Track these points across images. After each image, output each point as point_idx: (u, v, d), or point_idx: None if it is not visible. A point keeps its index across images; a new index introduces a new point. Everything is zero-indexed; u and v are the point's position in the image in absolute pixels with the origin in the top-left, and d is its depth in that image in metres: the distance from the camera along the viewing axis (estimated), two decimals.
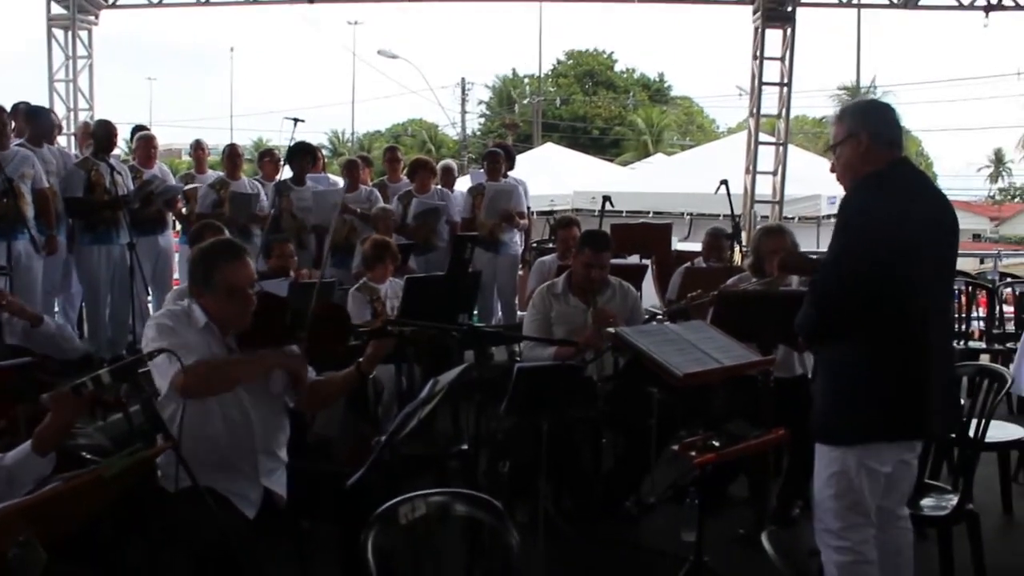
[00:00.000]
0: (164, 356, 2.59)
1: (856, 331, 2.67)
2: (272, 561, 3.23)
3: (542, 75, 40.93)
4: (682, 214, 15.30)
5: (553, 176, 16.95)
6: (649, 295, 6.71)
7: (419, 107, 78.91)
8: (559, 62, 42.89)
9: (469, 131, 41.72)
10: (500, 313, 7.73)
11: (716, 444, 2.98)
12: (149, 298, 6.98)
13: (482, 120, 44.14)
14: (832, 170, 2.87)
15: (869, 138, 2.71)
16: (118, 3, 10.46)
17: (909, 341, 2.64)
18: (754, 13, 9.85)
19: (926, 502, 3.53)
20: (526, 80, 43.22)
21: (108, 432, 3.38)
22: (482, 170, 8.09)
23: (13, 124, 6.19)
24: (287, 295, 4.03)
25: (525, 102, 41.86)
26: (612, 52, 42.90)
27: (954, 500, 3.46)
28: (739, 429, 3.23)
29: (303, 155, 7.25)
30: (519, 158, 22.92)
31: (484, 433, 3.66)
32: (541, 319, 4.59)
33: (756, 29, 9.66)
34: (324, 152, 9.59)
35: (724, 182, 5.96)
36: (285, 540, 3.30)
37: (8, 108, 6.32)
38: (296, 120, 7.06)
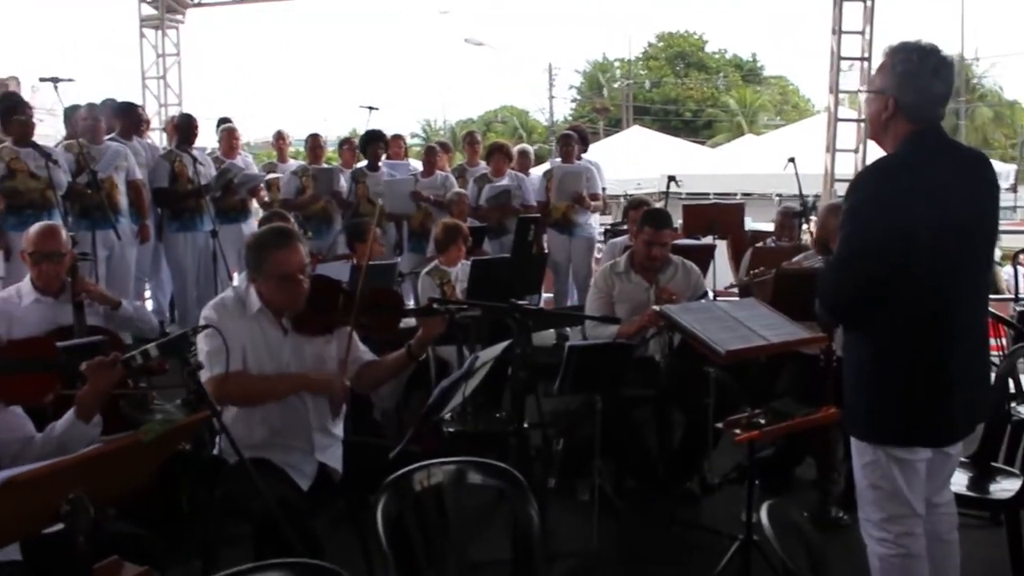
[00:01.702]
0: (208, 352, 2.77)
1: (865, 326, 2.51)
2: (331, 531, 3.34)
3: (632, 58, 40.60)
4: (771, 195, 15.07)
5: (641, 159, 16.86)
6: (724, 275, 6.64)
7: (511, 94, 79.10)
8: (650, 45, 42.39)
9: (560, 116, 41.68)
10: (576, 295, 7.74)
11: (762, 422, 2.95)
12: (233, 283, 7.25)
13: (573, 105, 44.02)
14: None
15: (895, 105, 2.47)
16: (203, 2, 10.84)
17: (920, 341, 2.45)
18: None
19: (994, 486, 3.42)
20: (616, 64, 42.86)
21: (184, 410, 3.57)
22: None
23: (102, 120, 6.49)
24: (349, 278, 4.12)
25: (615, 86, 41.55)
26: (703, 33, 42.19)
27: (1019, 483, 3.34)
28: (786, 407, 3.18)
29: (374, 142, 7.43)
30: (607, 141, 22.82)
31: (539, 411, 3.68)
32: (604, 297, 4.60)
33: (834, 2, 9.33)
34: (416, 140, 9.78)
35: (792, 160, 5.83)
36: (343, 512, 3.40)
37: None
38: (371, 108, 7.23)
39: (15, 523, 1.96)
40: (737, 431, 2.92)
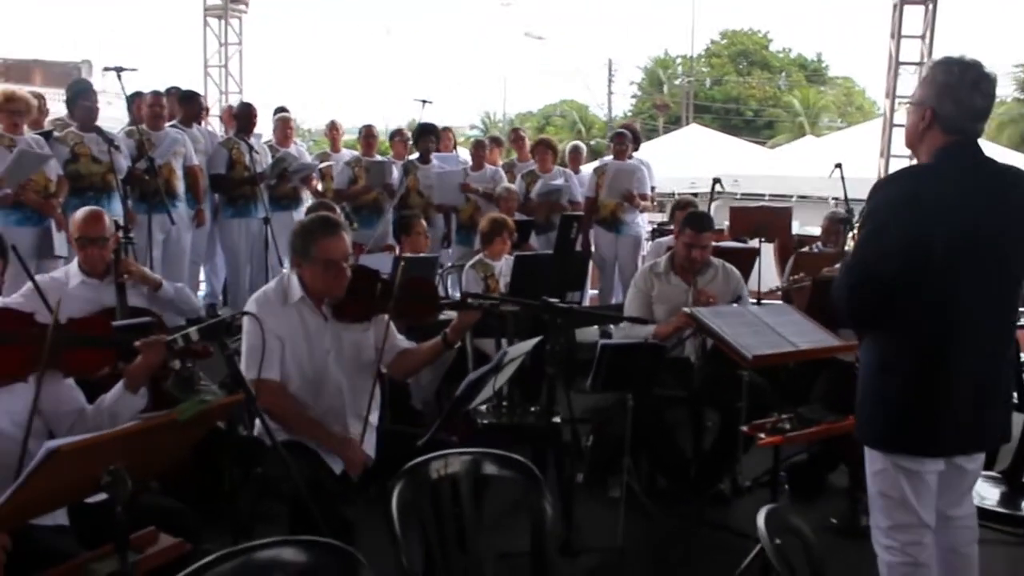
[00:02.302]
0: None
1: (875, 333, 2.52)
2: (366, 515, 3.44)
3: (695, 55, 40.22)
4: (828, 198, 14.87)
5: (697, 158, 16.77)
6: (772, 278, 6.62)
7: (571, 88, 78.85)
8: (713, 42, 41.96)
9: (619, 112, 41.50)
10: (621, 293, 7.77)
11: (787, 427, 2.97)
12: (284, 269, 7.41)
13: (633, 101, 43.79)
14: None
15: (933, 116, 2.46)
16: None
17: (928, 352, 2.44)
18: None
19: None
20: (678, 60, 42.53)
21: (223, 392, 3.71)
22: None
23: (166, 107, 6.70)
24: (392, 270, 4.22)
25: (677, 83, 41.22)
26: (768, 31, 41.63)
27: None
28: (813, 413, 3.19)
29: (427, 135, 7.53)
30: (664, 139, 22.68)
31: (568, 407, 3.74)
32: (642, 297, 4.64)
33: (894, 6, 9.19)
34: (475, 132, 9.82)
35: (838, 166, 5.79)
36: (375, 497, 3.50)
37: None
38: (424, 101, 7.33)
39: (61, 490, 2.09)
40: (761, 435, 2.94)
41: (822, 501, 4.35)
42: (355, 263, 3.47)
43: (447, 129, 8.75)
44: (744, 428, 3.06)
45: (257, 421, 3.29)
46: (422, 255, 5.02)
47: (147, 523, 2.39)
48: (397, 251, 5.33)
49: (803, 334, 3.24)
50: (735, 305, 4.05)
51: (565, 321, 3.26)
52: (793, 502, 4.16)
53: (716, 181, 6.83)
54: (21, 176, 5.36)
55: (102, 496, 2.03)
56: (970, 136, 2.50)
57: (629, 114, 41.98)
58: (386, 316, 3.31)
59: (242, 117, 7.09)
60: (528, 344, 3.18)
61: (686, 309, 3.61)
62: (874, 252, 2.44)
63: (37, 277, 4.01)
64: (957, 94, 2.46)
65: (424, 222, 5.94)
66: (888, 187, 2.51)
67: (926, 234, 2.37)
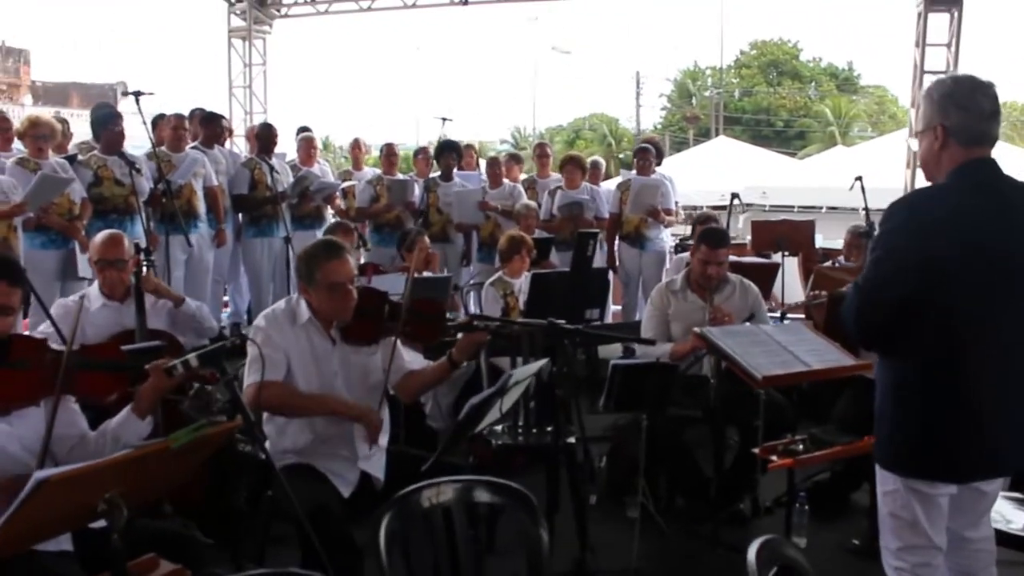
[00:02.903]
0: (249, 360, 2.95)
1: (888, 353, 2.46)
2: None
3: (724, 66, 40.06)
4: (858, 209, 14.65)
5: (725, 170, 16.67)
6: (796, 292, 6.54)
7: (601, 102, 78.88)
8: (742, 53, 41.80)
9: (649, 125, 41.40)
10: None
11: (800, 449, 2.91)
12: None
13: (663, 113, 43.71)
14: None
15: (944, 132, 2.37)
16: (289, 13, 11.17)
17: (943, 373, 2.37)
18: None
19: None
20: (707, 72, 42.38)
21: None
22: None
23: (190, 128, 6.78)
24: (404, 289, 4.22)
25: (706, 94, 41.07)
26: (797, 41, 41.39)
27: None
28: (828, 434, 3.12)
29: (448, 152, 7.54)
30: (691, 152, 22.59)
31: (580, 427, 3.70)
32: (659, 315, 4.58)
33: (919, 14, 9.05)
34: (505, 146, 9.82)
35: (859, 179, 5.71)
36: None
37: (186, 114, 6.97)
38: (444, 119, 7.35)
39: (56, 520, 2.09)
40: (773, 457, 2.88)
41: (844, 521, 4.26)
42: (363, 285, 3.47)
43: (469, 146, 8.75)
44: (756, 450, 2.99)
45: (268, 444, 3.32)
46: (436, 275, 5.01)
47: (148, 549, 2.39)
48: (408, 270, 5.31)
49: (816, 353, 3.18)
50: (748, 324, 3.98)
51: (573, 342, 3.22)
52: (814, 522, 4.07)
53: (735, 196, 6.76)
54: (43, 199, 5.45)
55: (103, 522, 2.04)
56: (986, 144, 2.42)
57: (659, 126, 41.89)
58: (393, 338, 3.31)
59: (263, 137, 7.16)
60: (534, 367, 3.15)
61: (696, 329, 3.56)
62: (883, 275, 2.38)
63: (59, 300, 4.08)
64: (960, 101, 2.40)
65: (428, 239, 5.92)
66: (899, 211, 2.44)
67: (939, 254, 2.31)
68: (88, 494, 2.01)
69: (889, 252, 2.38)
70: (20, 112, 27.34)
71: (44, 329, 3.61)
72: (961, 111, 2.38)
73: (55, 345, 2.72)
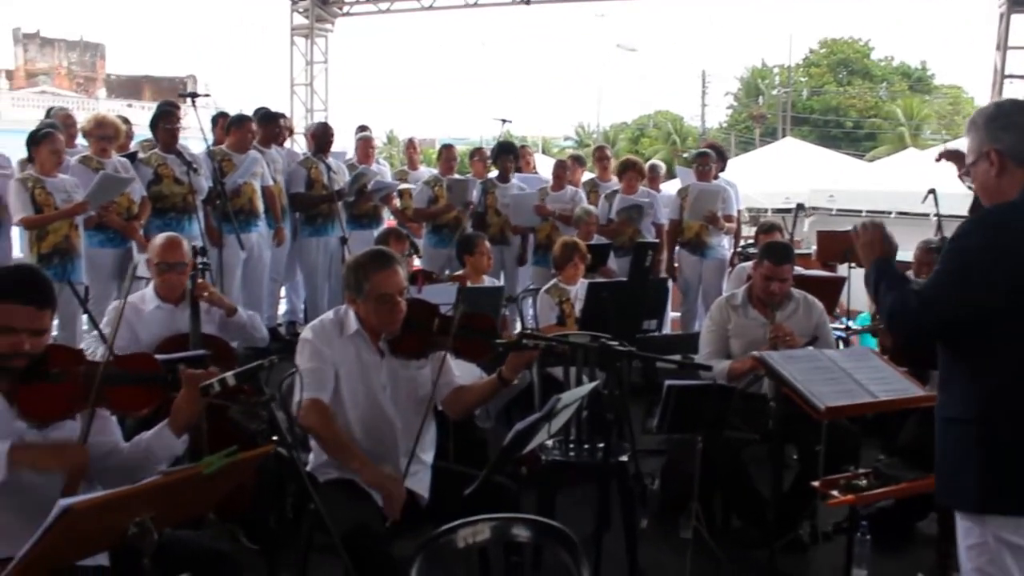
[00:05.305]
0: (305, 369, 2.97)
1: (965, 379, 2.29)
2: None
3: (793, 65, 39.28)
4: (930, 215, 14.16)
5: (791, 172, 16.32)
6: (861, 302, 6.29)
7: (666, 99, 78.15)
8: (812, 51, 40.93)
9: (715, 124, 40.85)
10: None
11: (862, 483, 2.74)
12: None
13: (729, 111, 43.08)
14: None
15: (999, 156, 2.28)
16: (351, 11, 11.19)
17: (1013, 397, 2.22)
18: None
19: None
20: (775, 70, 41.62)
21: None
22: (691, 170, 7.86)
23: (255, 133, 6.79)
24: (456, 298, 4.13)
25: (774, 93, 40.35)
26: (869, 39, 40.36)
27: None
28: (892, 469, 2.94)
29: (505, 154, 7.44)
30: (757, 153, 22.18)
31: (632, 448, 3.58)
32: (718, 331, 4.41)
33: (1001, 15, 8.65)
34: (569, 143, 9.67)
35: (932, 191, 5.42)
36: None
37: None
38: (504, 120, 7.25)
39: (85, 541, 2.05)
40: (834, 492, 2.72)
41: (908, 552, 4.05)
42: (413, 296, 3.39)
43: (525, 147, 8.64)
44: (815, 483, 2.83)
45: (311, 456, 3.27)
46: (485, 286, 4.91)
47: (182, 568, 2.35)
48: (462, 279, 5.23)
49: (883, 382, 3.00)
50: (811, 348, 3.80)
51: (627, 363, 3.09)
52: (876, 552, 3.89)
53: (799, 207, 6.50)
54: (103, 199, 5.49)
55: None
56: None
57: (724, 125, 41.30)
58: (443, 352, 3.22)
59: (319, 136, 7.14)
60: (583, 390, 3.03)
61: (755, 353, 3.39)
62: (959, 288, 2.26)
63: (115, 302, 4.09)
64: (1007, 120, 2.31)
65: (487, 243, 5.83)
66: (978, 227, 2.30)
67: (1014, 278, 2.18)
68: (117, 519, 1.96)
69: (972, 269, 2.25)
70: (95, 105, 28.10)
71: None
72: (1012, 131, 2.29)
73: (90, 354, 2.68)
